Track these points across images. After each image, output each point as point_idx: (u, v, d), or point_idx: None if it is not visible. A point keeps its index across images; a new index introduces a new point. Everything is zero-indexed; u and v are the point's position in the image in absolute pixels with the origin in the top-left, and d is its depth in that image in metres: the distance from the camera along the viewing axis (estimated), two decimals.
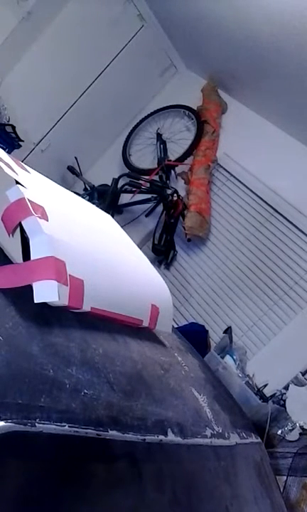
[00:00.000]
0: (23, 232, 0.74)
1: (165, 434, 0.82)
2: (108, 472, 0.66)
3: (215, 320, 3.09)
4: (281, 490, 1.81)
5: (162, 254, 3.28)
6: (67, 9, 2.96)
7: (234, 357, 2.71)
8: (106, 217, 1.25)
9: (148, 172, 3.34)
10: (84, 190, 3.48)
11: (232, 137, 3.30)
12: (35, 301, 0.68)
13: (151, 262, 1.20)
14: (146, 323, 0.98)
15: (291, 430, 2.27)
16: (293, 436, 2.25)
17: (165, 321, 1.06)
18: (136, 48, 3.34)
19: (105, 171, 3.65)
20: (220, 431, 1.08)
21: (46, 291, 0.69)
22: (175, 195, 3.16)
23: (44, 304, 0.69)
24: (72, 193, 1.17)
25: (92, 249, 0.91)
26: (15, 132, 2.95)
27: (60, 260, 0.71)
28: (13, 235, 0.75)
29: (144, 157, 3.59)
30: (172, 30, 3.31)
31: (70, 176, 3.53)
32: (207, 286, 3.20)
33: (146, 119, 3.63)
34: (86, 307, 0.77)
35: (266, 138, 3.13)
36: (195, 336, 2.81)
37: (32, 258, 0.71)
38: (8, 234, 0.75)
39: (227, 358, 2.68)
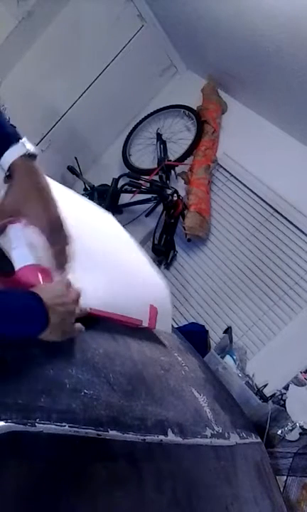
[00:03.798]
0: None
1: (166, 434, 0.82)
2: (108, 472, 0.66)
3: (215, 320, 3.09)
4: (281, 490, 1.80)
5: (162, 254, 3.27)
6: (67, 9, 2.96)
7: (234, 357, 2.70)
8: (106, 216, 1.25)
9: (148, 172, 3.33)
10: (84, 190, 3.48)
11: (232, 137, 3.30)
12: None
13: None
14: (145, 324, 0.98)
15: (291, 430, 2.26)
16: (293, 436, 2.24)
17: (164, 321, 1.06)
18: (136, 48, 3.34)
19: (105, 171, 3.65)
20: (220, 431, 1.08)
21: None
22: (175, 195, 3.15)
23: None
24: (73, 192, 1.17)
25: (91, 249, 0.91)
26: None
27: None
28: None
29: (144, 157, 3.58)
30: (172, 30, 3.30)
31: (70, 175, 3.52)
32: (207, 286, 3.19)
33: (146, 119, 3.62)
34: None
35: (266, 138, 3.12)
36: (195, 336, 2.81)
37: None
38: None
39: (227, 358, 2.68)
